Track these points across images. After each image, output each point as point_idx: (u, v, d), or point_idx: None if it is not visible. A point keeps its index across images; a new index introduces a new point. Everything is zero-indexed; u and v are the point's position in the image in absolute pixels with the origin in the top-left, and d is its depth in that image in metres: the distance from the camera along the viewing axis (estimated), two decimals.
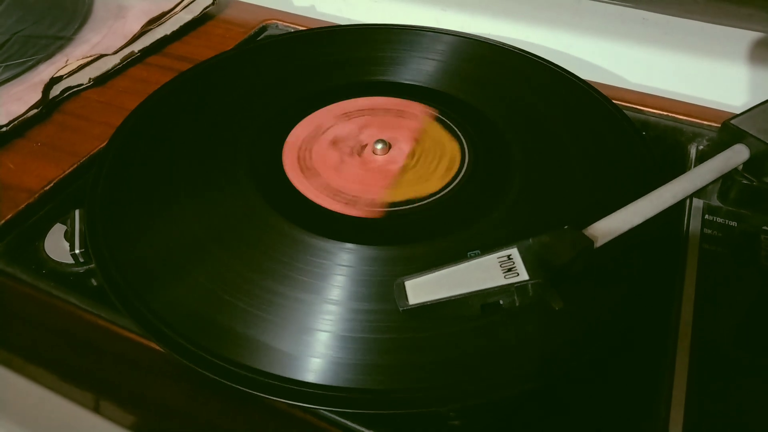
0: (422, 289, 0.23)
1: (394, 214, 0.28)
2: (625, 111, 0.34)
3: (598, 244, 0.24)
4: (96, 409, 0.23)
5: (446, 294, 0.22)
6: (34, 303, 0.27)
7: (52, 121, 0.37)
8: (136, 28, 0.43)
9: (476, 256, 0.23)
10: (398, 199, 0.29)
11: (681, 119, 0.36)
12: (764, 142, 0.28)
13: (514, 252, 0.23)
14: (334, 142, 0.32)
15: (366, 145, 0.32)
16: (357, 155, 0.32)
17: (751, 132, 0.29)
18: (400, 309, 0.23)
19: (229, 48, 0.42)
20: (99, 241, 0.27)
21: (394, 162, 0.31)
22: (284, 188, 0.29)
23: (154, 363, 0.24)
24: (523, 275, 0.22)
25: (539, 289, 0.22)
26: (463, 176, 0.30)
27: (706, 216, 0.29)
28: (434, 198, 0.29)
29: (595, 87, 0.35)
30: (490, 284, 0.22)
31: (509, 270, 0.22)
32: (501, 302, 0.23)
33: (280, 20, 0.46)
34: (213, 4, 0.47)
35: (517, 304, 0.23)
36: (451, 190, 0.29)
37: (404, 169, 0.31)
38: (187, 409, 0.23)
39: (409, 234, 0.27)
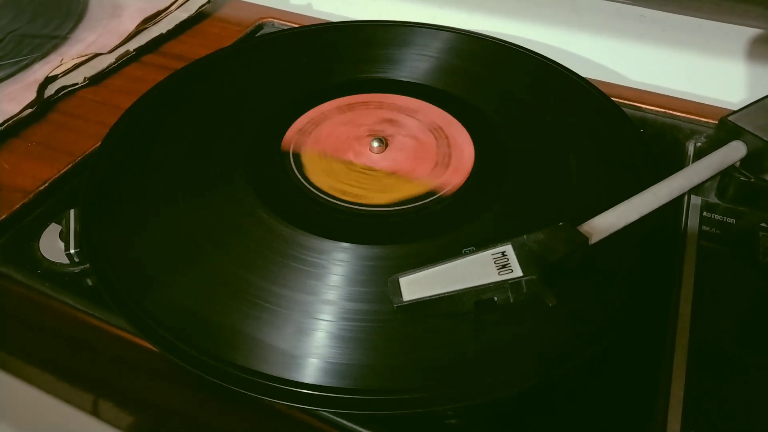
0: (416, 285, 0.23)
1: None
2: (622, 108, 0.34)
3: (594, 240, 0.24)
4: (91, 410, 0.23)
5: (440, 290, 0.22)
6: (28, 303, 0.27)
7: (47, 121, 0.37)
8: (131, 26, 0.43)
9: (471, 252, 0.23)
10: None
11: (679, 116, 0.36)
12: (762, 139, 0.28)
13: (508, 249, 0.23)
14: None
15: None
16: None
17: (748, 128, 0.29)
18: (395, 305, 0.23)
19: (225, 46, 0.42)
20: (94, 240, 0.27)
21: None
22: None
23: (149, 364, 0.24)
24: (517, 272, 0.22)
25: (533, 286, 0.22)
26: None
27: (704, 213, 0.29)
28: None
29: (593, 84, 0.35)
30: (484, 281, 0.22)
31: (503, 266, 0.22)
32: (495, 299, 0.23)
33: (276, 18, 0.46)
34: (208, 2, 0.47)
35: (511, 301, 0.23)
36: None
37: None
38: (183, 410, 0.23)
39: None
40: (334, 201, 0.28)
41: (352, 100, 0.35)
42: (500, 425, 0.22)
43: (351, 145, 0.32)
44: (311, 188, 0.29)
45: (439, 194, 0.29)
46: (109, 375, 0.24)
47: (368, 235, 0.26)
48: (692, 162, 0.33)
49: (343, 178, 0.30)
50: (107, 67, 0.40)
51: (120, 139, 0.32)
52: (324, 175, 0.30)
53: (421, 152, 0.31)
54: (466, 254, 0.23)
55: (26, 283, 0.27)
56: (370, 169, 0.30)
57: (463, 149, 0.31)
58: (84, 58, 0.40)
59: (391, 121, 0.33)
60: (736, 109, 0.30)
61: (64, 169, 0.33)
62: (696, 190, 0.29)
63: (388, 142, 0.32)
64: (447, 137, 0.32)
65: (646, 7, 0.41)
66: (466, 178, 0.29)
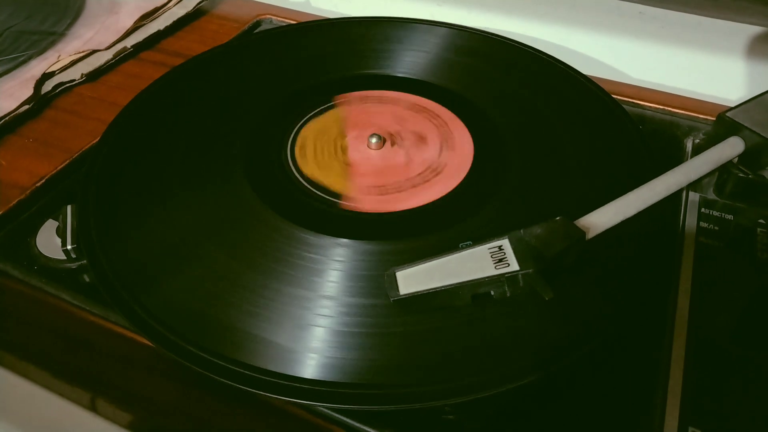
0: (413, 279, 0.23)
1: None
2: (621, 105, 0.34)
3: (591, 235, 0.24)
4: (88, 406, 0.23)
5: (437, 284, 0.22)
6: (25, 299, 0.26)
7: (43, 117, 0.37)
8: (129, 23, 0.43)
9: (467, 246, 0.23)
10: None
11: (678, 113, 0.36)
12: (760, 135, 0.28)
13: (505, 243, 0.23)
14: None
15: (367, 138, 0.32)
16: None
17: (746, 124, 0.29)
18: (391, 299, 0.22)
19: (222, 43, 0.42)
20: (91, 236, 0.26)
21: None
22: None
23: (147, 360, 0.24)
24: (514, 266, 0.22)
25: (529, 280, 0.22)
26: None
27: (703, 209, 0.29)
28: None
29: (592, 81, 0.35)
30: (480, 274, 0.22)
31: (500, 260, 0.22)
32: (492, 293, 0.23)
33: (274, 15, 0.46)
34: None
35: (507, 295, 0.23)
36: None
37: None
38: (180, 406, 0.23)
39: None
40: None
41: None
42: (498, 420, 0.22)
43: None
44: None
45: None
46: (106, 371, 0.24)
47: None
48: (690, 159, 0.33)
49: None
50: (104, 64, 0.40)
51: (118, 136, 0.32)
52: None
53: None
54: (462, 248, 0.23)
55: (23, 279, 0.27)
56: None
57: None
58: (81, 55, 0.40)
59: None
60: (734, 106, 0.30)
61: (61, 166, 0.32)
62: (694, 186, 0.29)
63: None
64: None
65: (645, 4, 0.41)
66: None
